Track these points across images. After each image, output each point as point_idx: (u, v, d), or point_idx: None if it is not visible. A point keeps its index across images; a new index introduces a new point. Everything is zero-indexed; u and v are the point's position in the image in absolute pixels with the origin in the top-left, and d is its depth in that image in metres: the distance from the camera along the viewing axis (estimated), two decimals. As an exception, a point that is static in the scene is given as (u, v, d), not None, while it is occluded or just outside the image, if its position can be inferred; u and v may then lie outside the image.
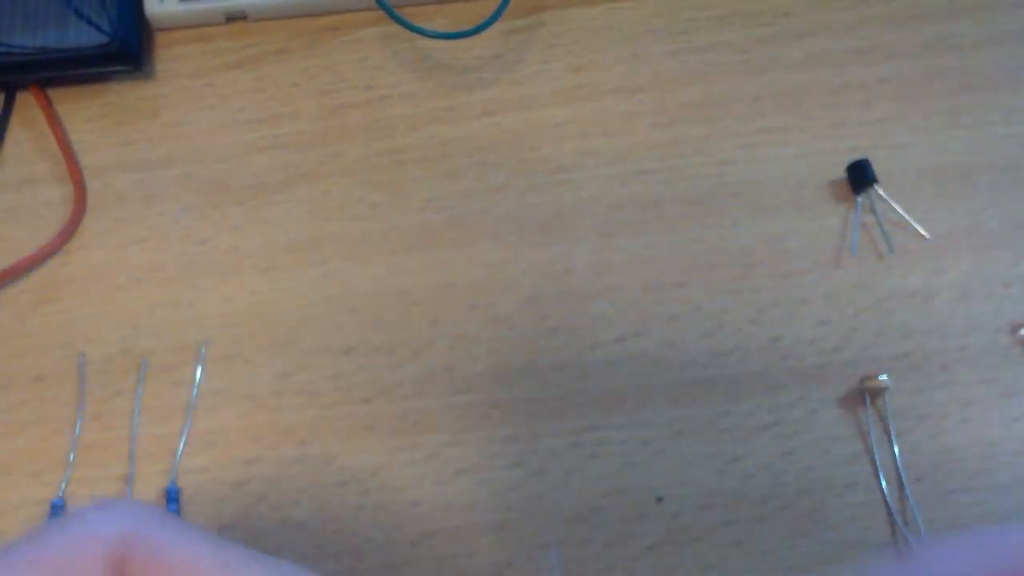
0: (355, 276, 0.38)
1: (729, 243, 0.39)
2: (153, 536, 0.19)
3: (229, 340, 0.37)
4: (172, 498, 0.35)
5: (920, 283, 0.38)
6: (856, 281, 0.38)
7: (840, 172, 0.39)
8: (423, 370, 0.37)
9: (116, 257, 0.39)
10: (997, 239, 0.38)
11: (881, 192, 0.39)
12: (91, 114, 0.41)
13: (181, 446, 0.36)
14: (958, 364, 0.37)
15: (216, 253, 0.39)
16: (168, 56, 0.42)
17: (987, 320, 0.37)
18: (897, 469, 0.35)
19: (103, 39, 0.39)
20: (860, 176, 0.39)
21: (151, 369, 0.37)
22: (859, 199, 0.39)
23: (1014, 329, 0.37)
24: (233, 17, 0.42)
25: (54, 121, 0.40)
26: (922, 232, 0.38)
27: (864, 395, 0.36)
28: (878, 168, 0.39)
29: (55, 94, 0.41)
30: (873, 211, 0.39)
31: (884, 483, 0.35)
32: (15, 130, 0.41)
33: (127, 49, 0.39)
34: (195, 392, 0.37)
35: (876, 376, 0.36)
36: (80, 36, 0.39)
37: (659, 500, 0.35)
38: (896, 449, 0.36)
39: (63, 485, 0.35)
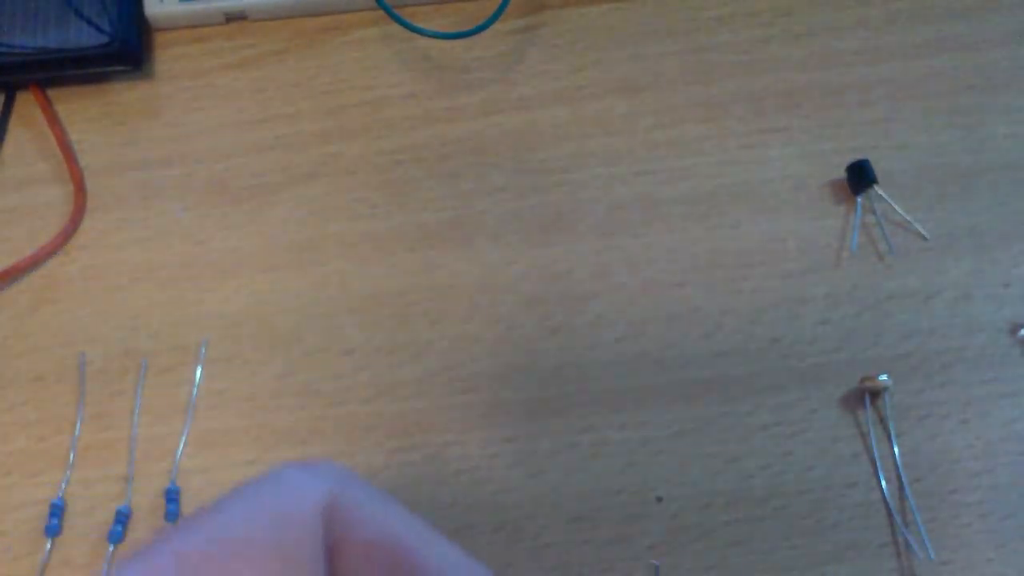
0: (355, 276, 0.38)
1: (729, 243, 0.39)
2: (355, 498, 0.19)
3: (229, 340, 0.37)
4: (172, 498, 0.35)
5: (920, 283, 0.38)
6: (856, 281, 0.38)
7: (840, 172, 0.39)
8: (423, 370, 0.37)
9: (116, 257, 0.39)
10: (997, 239, 0.38)
11: (881, 192, 0.39)
12: (91, 114, 0.41)
13: (181, 446, 0.36)
14: (958, 364, 0.37)
15: (216, 253, 0.39)
16: (168, 56, 0.42)
17: (987, 320, 0.37)
18: (897, 469, 0.35)
19: (103, 39, 0.39)
20: (860, 176, 0.39)
21: (151, 369, 0.37)
22: (859, 199, 0.39)
23: (1014, 329, 0.37)
24: (233, 17, 0.42)
25: (54, 121, 0.40)
26: (922, 232, 0.38)
27: (864, 395, 0.36)
28: (878, 168, 0.39)
29: (55, 94, 0.41)
30: (873, 211, 0.39)
31: (884, 483, 0.35)
32: (15, 130, 0.41)
33: (127, 49, 0.39)
34: (195, 392, 0.37)
35: (876, 376, 0.36)
36: (80, 36, 0.39)
37: (659, 500, 0.35)
38: (896, 449, 0.36)
39: (63, 485, 0.35)
